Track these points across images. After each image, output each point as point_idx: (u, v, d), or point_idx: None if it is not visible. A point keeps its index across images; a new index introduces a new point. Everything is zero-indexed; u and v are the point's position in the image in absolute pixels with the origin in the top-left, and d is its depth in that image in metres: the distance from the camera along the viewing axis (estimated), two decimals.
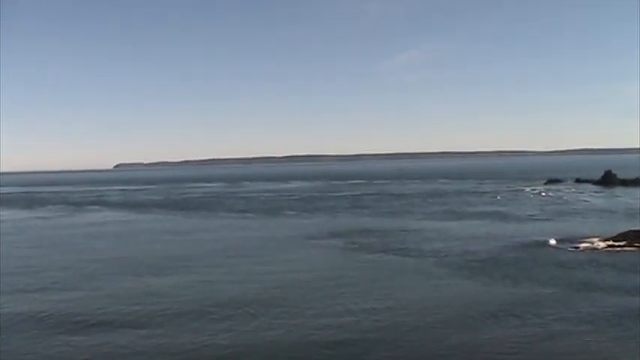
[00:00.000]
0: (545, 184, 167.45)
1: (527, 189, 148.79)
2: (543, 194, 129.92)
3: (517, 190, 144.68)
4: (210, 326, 33.83)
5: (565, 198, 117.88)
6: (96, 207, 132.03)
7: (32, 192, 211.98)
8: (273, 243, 65.75)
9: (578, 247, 56.64)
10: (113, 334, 32.30)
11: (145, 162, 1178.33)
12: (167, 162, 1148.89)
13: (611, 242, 57.15)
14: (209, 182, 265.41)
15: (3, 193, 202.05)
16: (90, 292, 42.81)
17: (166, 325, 33.89)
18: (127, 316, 35.83)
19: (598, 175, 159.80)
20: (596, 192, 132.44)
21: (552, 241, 59.84)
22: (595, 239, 59.24)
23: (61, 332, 32.81)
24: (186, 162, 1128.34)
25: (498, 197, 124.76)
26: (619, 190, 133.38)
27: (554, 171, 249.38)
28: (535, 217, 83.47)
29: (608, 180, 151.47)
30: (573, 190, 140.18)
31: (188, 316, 35.70)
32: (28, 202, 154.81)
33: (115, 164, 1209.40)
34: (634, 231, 58.82)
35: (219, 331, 33.03)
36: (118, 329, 33.26)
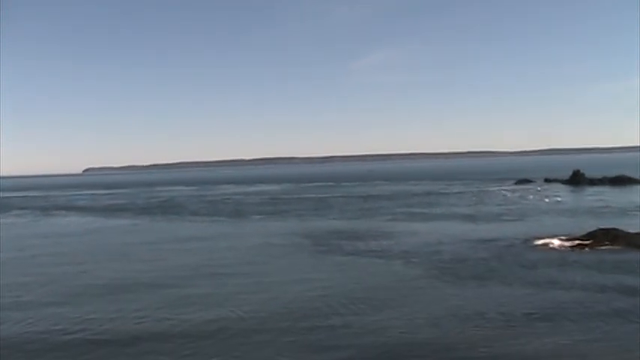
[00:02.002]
0: (514, 184, 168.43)
1: (497, 189, 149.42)
2: (513, 194, 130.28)
3: (486, 191, 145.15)
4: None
5: (534, 197, 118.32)
6: (63, 212, 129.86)
7: None
8: (239, 246, 64.52)
9: (546, 246, 56.43)
10: None
11: (114, 166, 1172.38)
12: (136, 165, 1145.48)
13: (579, 241, 57.01)
14: (177, 185, 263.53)
15: None
16: (48, 310, 39.54)
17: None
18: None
19: (567, 174, 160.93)
20: (564, 191, 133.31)
21: (521, 241, 59.59)
22: (564, 238, 59.09)
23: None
24: (154, 165, 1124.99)
25: (467, 198, 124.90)
26: (587, 189, 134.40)
27: (523, 171, 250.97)
28: (504, 217, 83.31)
29: (576, 179, 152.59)
30: (542, 189, 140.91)
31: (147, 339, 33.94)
32: None
33: (84, 168, 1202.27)
34: (602, 229, 58.72)
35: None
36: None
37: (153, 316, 35.52)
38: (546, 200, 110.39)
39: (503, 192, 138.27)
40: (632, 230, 58.77)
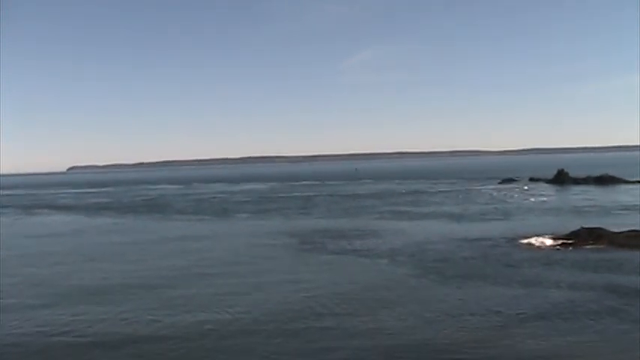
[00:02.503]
0: (499, 183, 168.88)
1: (482, 188, 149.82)
2: (498, 193, 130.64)
3: (471, 190, 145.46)
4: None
5: (519, 197, 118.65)
6: (47, 210, 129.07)
7: None
8: (225, 246, 64.20)
9: (531, 245, 56.61)
10: None
11: (99, 164, 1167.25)
12: (121, 164, 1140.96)
13: (563, 240, 57.28)
14: (163, 184, 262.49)
15: None
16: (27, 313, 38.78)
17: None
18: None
19: (551, 174, 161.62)
20: (549, 190, 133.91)
21: (506, 240, 59.74)
22: (548, 237, 59.32)
23: None
24: (140, 164, 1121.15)
25: (453, 197, 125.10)
26: (571, 189, 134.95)
27: (508, 170, 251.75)
28: (489, 216, 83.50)
29: (560, 179, 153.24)
30: (527, 188, 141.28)
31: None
32: None
33: (69, 167, 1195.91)
34: (586, 228, 59.02)
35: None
36: None
37: (139, 319, 34.93)
38: (531, 199, 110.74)
39: (489, 191, 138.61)
40: (615, 229, 59.00)
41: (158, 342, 30.61)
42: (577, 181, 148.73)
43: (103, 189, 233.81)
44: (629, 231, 57.94)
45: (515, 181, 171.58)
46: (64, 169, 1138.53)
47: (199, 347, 29.69)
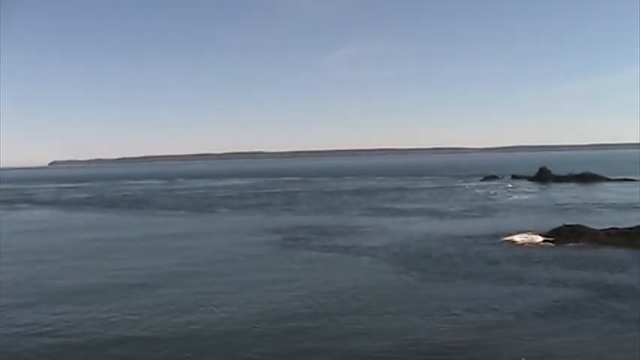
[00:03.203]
0: (482, 180, 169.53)
1: (464, 185, 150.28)
2: (480, 190, 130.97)
3: (454, 187, 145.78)
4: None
5: (501, 194, 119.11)
6: (27, 205, 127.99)
7: None
8: (208, 243, 63.63)
9: (513, 242, 56.78)
10: None
11: (81, 159, 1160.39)
12: (103, 159, 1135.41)
13: (545, 237, 57.50)
14: (146, 179, 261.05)
15: None
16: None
17: None
18: None
19: (533, 171, 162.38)
20: (531, 188, 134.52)
21: (488, 237, 59.87)
22: (530, 234, 59.49)
23: None
24: (123, 159, 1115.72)
25: (435, 194, 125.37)
26: (553, 186, 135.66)
27: (490, 167, 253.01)
28: (471, 213, 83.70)
29: (543, 176, 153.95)
30: (509, 186, 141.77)
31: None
32: None
33: (50, 161, 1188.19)
34: (567, 226, 59.38)
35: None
36: None
37: (122, 320, 34.11)
38: (513, 197, 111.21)
39: (471, 188, 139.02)
40: (596, 227, 59.34)
41: (142, 344, 29.95)
42: (559, 179, 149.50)
43: (84, 184, 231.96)
44: (609, 228, 58.38)
45: (498, 178, 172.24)
46: (45, 163, 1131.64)
47: (186, 348, 29.10)
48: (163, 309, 36.11)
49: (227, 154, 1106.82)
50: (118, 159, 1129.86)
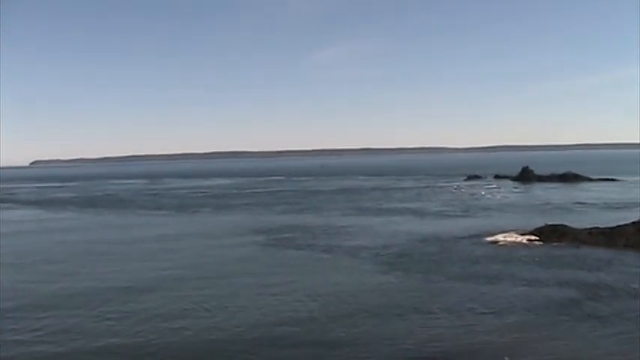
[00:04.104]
0: (464, 180, 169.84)
1: (447, 185, 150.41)
2: (463, 190, 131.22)
3: (436, 186, 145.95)
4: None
5: (484, 193, 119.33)
6: (6, 205, 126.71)
7: None
8: (190, 244, 63.02)
9: (496, 242, 56.85)
10: None
11: (64, 158, 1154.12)
12: (86, 159, 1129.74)
13: (527, 237, 57.61)
14: (128, 179, 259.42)
15: None
16: None
17: None
18: None
19: (516, 171, 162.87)
20: (514, 187, 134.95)
21: (471, 237, 59.98)
22: (512, 233, 59.60)
23: None
24: (105, 158, 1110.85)
25: (418, 193, 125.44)
26: (536, 186, 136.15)
27: (473, 167, 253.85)
28: (453, 213, 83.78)
29: (525, 176, 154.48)
30: (492, 185, 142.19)
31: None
32: None
33: (32, 161, 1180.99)
34: (550, 225, 59.60)
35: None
36: None
37: (108, 328, 32.69)
38: (496, 196, 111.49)
39: (454, 188, 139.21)
40: (578, 226, 59.54)
41: (129, 353, 28.85)
42: (541, 179, 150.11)
43: (67, 184, 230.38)
44: (591, 228, 58.55)
45: (481, 178, 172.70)
46: (26, 163, 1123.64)
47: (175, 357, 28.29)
48: (148, 316, 34.77)
49: (211, 153, 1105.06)
50: (101, 158, 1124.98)
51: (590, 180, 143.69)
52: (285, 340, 29.89)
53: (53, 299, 39.56)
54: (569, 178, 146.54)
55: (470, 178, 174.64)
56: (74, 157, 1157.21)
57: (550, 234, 57.38)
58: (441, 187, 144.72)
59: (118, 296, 39.77)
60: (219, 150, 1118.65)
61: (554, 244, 54.87)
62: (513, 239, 57.53)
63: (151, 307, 36.51)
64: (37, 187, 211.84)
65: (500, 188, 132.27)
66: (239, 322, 32.98)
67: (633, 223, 56.51)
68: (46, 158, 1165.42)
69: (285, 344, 29.27)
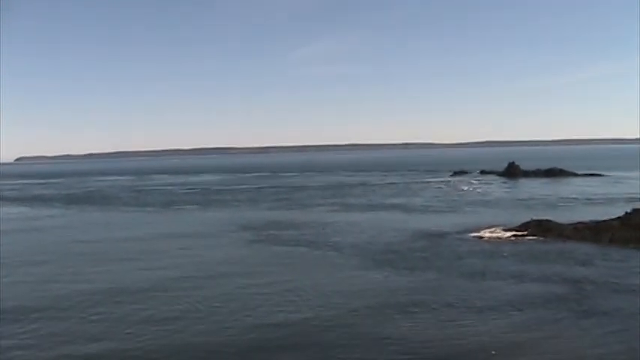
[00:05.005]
0: (451, 175, 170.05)
1: (433, 180, 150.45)
2: (449, 186, 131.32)
3: (423, 182, 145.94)
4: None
5: (470, 189, 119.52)
6: None
7: None
8: (175, 239, 62.81)
9: (482, 237, 56.79)
10: None
11: (49, 155, 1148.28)
12: (72, 155, 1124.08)
13: (514, 232, 57.59)
14: (114, 175, 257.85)
15: None
16: None
17: None
18: None
19: (502, 166, 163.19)
20: (500, 183, 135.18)
21: (457, 232, 59.91)
22: (499, 229, 59.62)
23: None
24: (91, 155, 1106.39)
25: (404, 189, 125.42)
26: (522, 181, 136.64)
27: (459, 163, 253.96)
28: (440, 208, 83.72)
29: (511, 171, 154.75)
30: (478, 181, 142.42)
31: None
32: None
33: (17, 157, 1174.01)
34: (536, 220, 59.70)
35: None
36: None
37: (96, 333, 31.29)
38: (482, 192, 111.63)
39: (440, 183, 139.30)
40: (563, 221, 59.62)
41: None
42: (527, 174, 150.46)
43: (52, 180, 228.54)
44: (576, 223, 58.70)
45: (467, 173, 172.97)
46: (11, 159, 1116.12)
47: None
48: (135, 319, 33.42)
49: (197, 149, 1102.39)
50: (86, 155, 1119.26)
51: (576, 175, 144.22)
52: (275, 342, 29.24)
53: (38, 302, 37.70)
54: (554, 173, 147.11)
55: (456, 173, 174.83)
56: (59, 154, 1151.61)
57: (536, 229, 57.42)
58: (427, 182, 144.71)
59: (104, 299, 38.12)
60: (205, 146, 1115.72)
61: (540, 239, 54.92)
62: (499, 234, 57.53)
63: (138, 311, 35.15)
64: (22, 183, 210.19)
65: (486, 184, 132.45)
66: (231, 324, 31.99)
67: (618, 218, 56.68)
68: (31, 155, 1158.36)
69: (276, 347, 28.67)
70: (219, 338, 29.56)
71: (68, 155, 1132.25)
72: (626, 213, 57.13)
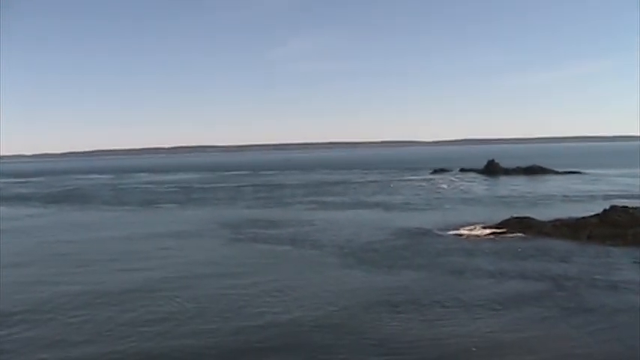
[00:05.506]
0: (430, 173, 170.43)
1: (413, 178, 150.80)
2: (428, 183, 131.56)
3: (402, 180, 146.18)
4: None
5: (450, 187, 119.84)
6: None
7: None
8: (155, 239, 62.22)
9: (461, 235, 56.91)
10: None
11: (27, 154, 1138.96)
12: (51, 154, 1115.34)
13: (493, 229, 57.84)
14: (93, 174, 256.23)
15: None
16: None
17: None
18: None
19: (482, 164, 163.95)
20: (480, 181, 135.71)
21: (436, 229, 59.98)
22: (478, 226, 59.82)
23: None
24: (70, 153, 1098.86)
25: (383, 187, 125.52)
26: (502, 179, 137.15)
27: (439, 161, 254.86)
28: (420, 206, 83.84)
29: (491, 169, 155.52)
30: (458, 179, 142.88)
31: None
32: None
33: None
34: (515, 218, 59.96)
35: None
36: None
37: (79, 340, 30.06)
38: (462, 189, 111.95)
39: (420, 181, 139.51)
40: (543, 219, 59.98)
41: None
42: (507, 172, 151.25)
43: (30, 179, 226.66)
44: (555, 220, 59.11)
45: (447, 171, 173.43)
46: None
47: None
48: (118, 323, 32.32)
49: (176, 148, 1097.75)
50: (66, 153, 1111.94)
51: (556, 173, 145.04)
52: (260, 344, 28.77)
53: (17, 306, 36.41)
54: (534, 171, 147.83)
55: (436, 171, 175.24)
56: (38, 152, 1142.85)
57: (515, 226, 57.70)
58: (407, 180, 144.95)
59: (86, 301, 37.09)
60: (184, 145, 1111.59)
61: (520, 236, 55.13)
62: (479, 232, 57.71)
63: (120, 313, 34.28)
64: (1, 182, 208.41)
65: (466, 181, 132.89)
66: (216, 326, 31.30)
67: (596, 215, 57.13)
68: (10, 153, 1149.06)
69: (260, 349, 28.31)
70: (203, 341, 29.09)
71: (47, 154, 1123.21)
72: (604, 210, 57.64)
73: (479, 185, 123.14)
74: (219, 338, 29.28)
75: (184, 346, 28.33)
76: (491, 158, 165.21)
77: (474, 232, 57.76)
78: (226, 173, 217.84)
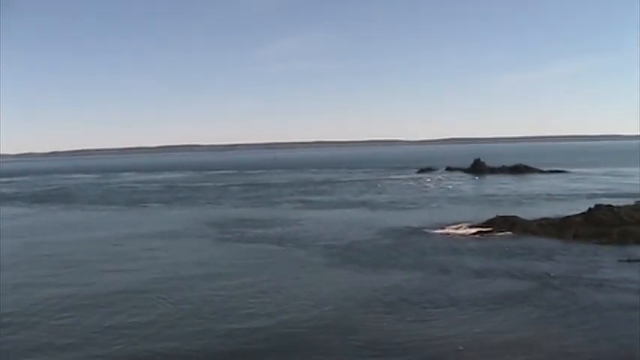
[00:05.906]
0: (416, 172, 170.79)
1: (399, 177, 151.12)
2: (414, 182, 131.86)
3: (389, 179, 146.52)
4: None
5: (436, 186, 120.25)
6: None
7: None
8: (142, 239, 61.90)
9: (448, 234, 57.12)
10: None
11: (11, 153, 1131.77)
12: (35, 153, 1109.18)
13: (479, 228, 58.01)
14: (78, 173, 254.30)
15: None
16: None
17: None
18: None
19: (468, 163, 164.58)
20: (466, 179, 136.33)
21: (422, 229, 60.17)
22: (464, 225, 59.99)
23: None
24: (55, 153, 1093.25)
25: (369, 186, 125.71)
26: (488, 178, 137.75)
27: (425, 159, 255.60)
28: (405, 205, 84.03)
29: (477, 168, 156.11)
30: (444, 178, 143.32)
31: None
32: None
33: None
34: (501, 216, 60.22)
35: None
36: None
37: (66, 346, 29.63)
38: (448, 188, 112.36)
39: (406, 180, 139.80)
40: (529, 217, 60.33)
41: None
42: (493, 171, 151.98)
43: (13, 178, 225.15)
44: (541, 219, 59.48)
45: (433, 170, 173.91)
46: None
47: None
48: (107, 327, 31.68)
49: (163, 147, 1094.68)
50: (50, 152, 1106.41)
51: (541, 172, 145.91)
52: (250, 347, 28.64)
53: (3, 310, 35.62)
54: (520, 169, 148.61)
55: (422, 170, 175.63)
56: (22, 152, 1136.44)
57: (501, 225, 57.91)
58: (392, 179, 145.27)
59: (72, 304, 36.30)
60: (171, 144, 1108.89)
61: (506, 235, 55.40)
62: (466, 231, 57.90)
63: (107, 317, 33.61)
64: None
65: (452, 180, 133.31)
66: (206, 328, 30.99)
67: (581, 214, 57.51)
68: None
69: (250, 352, 28.28)
70: (193, 344, 28.78)
71: (31, 153, 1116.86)
72: (589, 209, 58.03)
73: (465, 184, 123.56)
74: (208, 340, 29.10)
75: (173, 349, 27.99)
76: (477, 157, 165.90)
77: (460, 231, 57.97)
78: (212, 172, 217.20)
